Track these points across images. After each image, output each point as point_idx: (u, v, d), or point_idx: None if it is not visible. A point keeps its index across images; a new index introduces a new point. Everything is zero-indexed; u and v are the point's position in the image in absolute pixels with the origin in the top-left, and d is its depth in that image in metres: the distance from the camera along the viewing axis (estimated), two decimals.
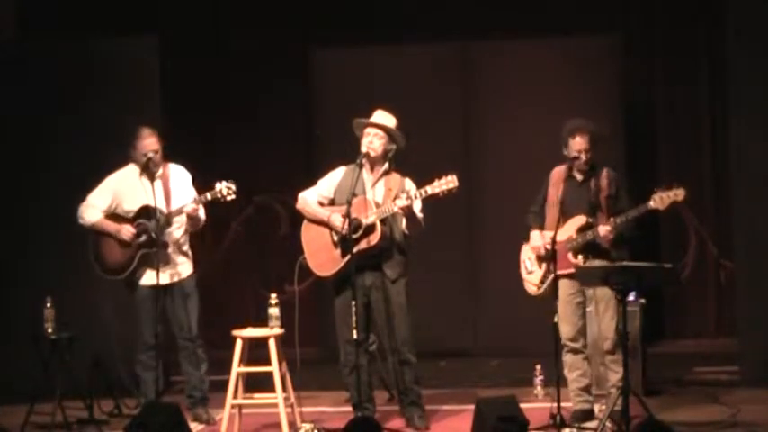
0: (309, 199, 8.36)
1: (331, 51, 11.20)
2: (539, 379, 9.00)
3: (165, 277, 8.40)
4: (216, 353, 9.08)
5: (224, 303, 11.01)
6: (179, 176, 8.66)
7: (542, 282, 8.13)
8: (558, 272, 7.84)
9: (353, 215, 7.96)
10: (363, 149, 8.15)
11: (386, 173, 8.24)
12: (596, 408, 8.09)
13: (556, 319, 7.95)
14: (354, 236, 7.99)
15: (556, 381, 7.73)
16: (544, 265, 8.12)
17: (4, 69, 9.92)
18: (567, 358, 8.06)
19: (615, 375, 7.93)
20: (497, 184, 10.94)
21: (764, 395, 8.73)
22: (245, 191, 8.92)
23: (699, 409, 8.43)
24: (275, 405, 8.08)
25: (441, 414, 8.58)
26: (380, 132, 8.19)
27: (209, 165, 9.33)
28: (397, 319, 8.16)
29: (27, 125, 9.89)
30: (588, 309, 8.12)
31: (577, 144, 7.97)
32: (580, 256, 7.95)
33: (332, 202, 8.32)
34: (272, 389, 8.10)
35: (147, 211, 8.48)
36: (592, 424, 7.89)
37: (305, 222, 8.35)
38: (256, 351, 8.24)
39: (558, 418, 7.72)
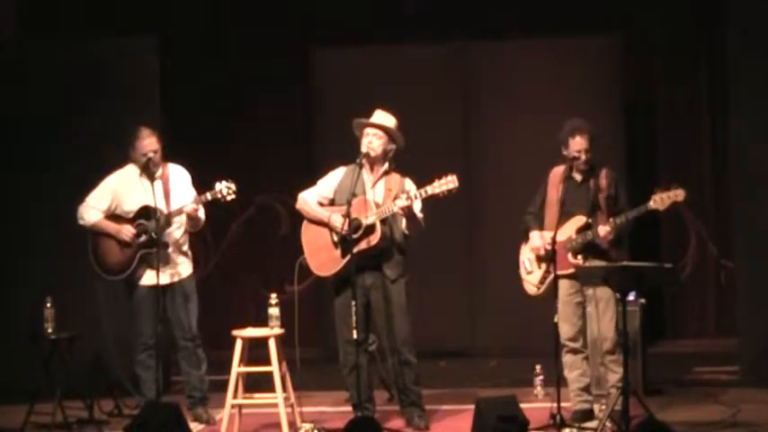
0: (309, 199, 8.36)
1: (331, 51, 11.21)
2: (539, 379, 9.00)
3: (164, 277, 8.39)
4: (216, 353, 9.09)
5: (224, 303, 11.01)
6: (179, 176, 8.66)
7: (542, 282, 8.13)
8: (558, 272, 7.85)
9: (353, 215, 7.96)
10: (363, 149, 8.16)
11: (386, 173, 8.24)
12: (596, 408, 8.08)
13: (556, 319, 7.95)
14: (354, 236, 7.99)
15: (556, 381, 7.73)
16: (543, 266, 8.12)
17: (4, 69, 9.92)
18: (567, 358, 8.06)
19: (615, 375, 7.93)
20: (497, 184, 10.94)
21: (764, 395, 8.73)
22: (246, 191, 8.91)
23: (699, 409, 8.43)
24: (275, 405, 8.08)
25: (441, 414, 8.58)
26: (380, 132, 8.19)
27: (210, 165, 9.31)
28: (397, 319, 8.16)
29: (27, 125, 9.88)
30: (588, 309, 8.12)
31: (577, 144, 7.97)
32: (579, 256, 7.95)
33: (332, 203, 8.32)
34: (272, 389, 8.10)
35: (146, 212, 8.48)
36: (592, 424, 7.89)
37: (305, 222, 8.35)
38: (256, 351, 8.24)
39: (558, 418, 7.72)
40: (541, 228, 8.12)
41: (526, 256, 8.23)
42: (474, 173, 10.83)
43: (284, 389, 8.12)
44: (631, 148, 10.93)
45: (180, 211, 8.46)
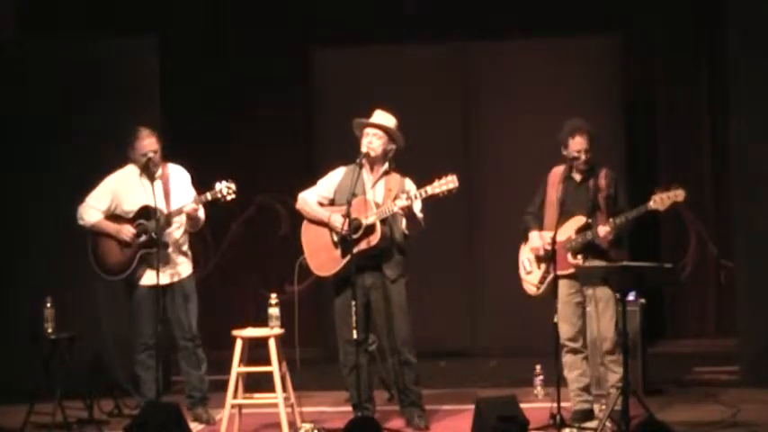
0: (309, 199, 8.36)
1: (331, 51, 11.21)
2: (539, 379, 9.00)
3: (164, 277, 8.39)
4: (216, 353, 9.09)
5: (224, 303, 11.01)
6: (178, 176, 8.66)
7: (541, 282, 8.13)
8: (558, 272, 7.84)
9: (353, 215, 7.96)
10: (363, 149, 8.16)
11: (386, 173, 8.24)
12: (596, 408, 8.08)
13: (556, 320, 7.95)
14: (354, 236, 7.99)
15: (556, 381, 7.73)
16: (543, 266, 8.12)
17: (4, 69, 9.92)
18: (567, 358, 8.06)
19: (615, 375, 7.93)
20: (497, 184, 10.94)
21: (764, 395, 8.73)
22: (246, 191, 8.91)
23: (699, 409, 8.43)
24: (275, 405, 8.08)
25: (441, 414, 8.58)
26: (380, 132, 8.19)
27: (210, 165, 9.31)
28: (397, 319, 8.16)
29: (27, 125, 9.88)
30: (588, 309, 8.11)
31: (577, 144, 7.97)
32: (579, 256, 7.95)
33: (332, 203, 8.32)
34: (272, 389, 8.10)
35: (146, 212, 8.48)
36: (592, 424, 7.89)
37: (305, 222, 8.35)
38: (256, 351, 8.24)
39: (558, 418, 7.72)
40: (541, 228, 8.12)
41: (526, 256, 8.23)
42: (474, 173, 10.83)
43: (284, 389, 8.12)
44: (631, 148, 10.94)
45: (180, 211, 8.46)
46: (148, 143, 8.52)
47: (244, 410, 8.30)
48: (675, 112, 11.20)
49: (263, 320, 8.21)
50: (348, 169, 8.26)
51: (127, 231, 8.50)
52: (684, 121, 11.17)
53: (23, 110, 9.88)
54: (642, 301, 8.96)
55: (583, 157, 7.98)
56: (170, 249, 8.55)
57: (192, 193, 8.55)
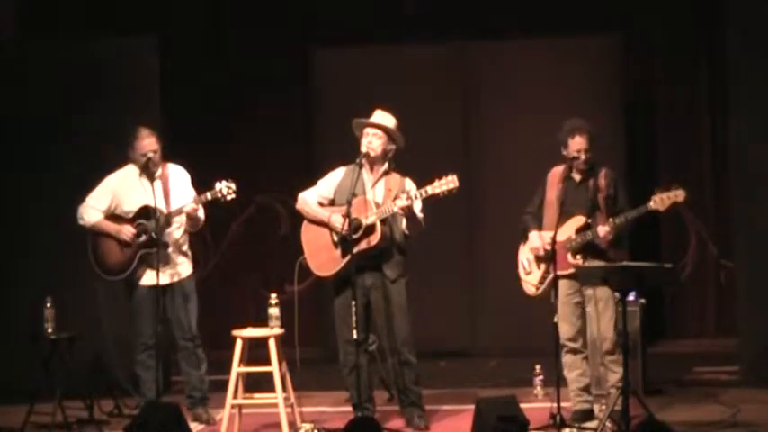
0: (309, 199, 8.36)
1: (331, 51, 11.21)
2: (539, 379, 9.00)
3: (164, 277, 8.39)
4: (216, 353, 9.09)
5: (224, 303, 11.01)
6: (178, 176, 8.66)
7: (541, 282, 8.13)
8: (558, 272, 7.84)
9: (353, 215, 7.96)
10: (363, 149, 8.16)
11: (386, 173, 8.24)
12: (596, 408, 8.08)
13: (556, 319, 7.95)
14: (354, 236, 7.99)
15: (556, 381, 7.73)
16: (543, 266, 8.12)
17: (4, 69, 9.92)
18: (567, 358, 8.06)
19: (614, 375, 7.93)
20: (497, 184, 10.94)
21: (764, 395, 8.73)
22: (246, 191, 8.91)
23: (699, 409, 8.43)
24: (275, 405, 8.08)
25: (441, 414, 8.58)
26: (380, 132, 8.19)
27: (210, 165, 9.31)
28: (397, 319, 8.16)
29: (27, 125, 9.88)
30: (587, 309, 8.11)
31: (577, 144, 7.97)
32: (579, 256, 7.95)
33: (332, 203, 8.31)
34: (272, 389, 8.10)
35: (146, 212, 8.47)
36: (592, 424, 7.89)
37: (305, 223, 8.35)
38: (256, 351, 8.24)
39: (558, 418, 7.72)
40: (540, 228, 8.12)
41: (525, 256, 8.23)
42: (474, 173, 10.83)
43: (284, 389, 8.11)
44: (631, 148, 10.94)
45: (180, 211, 8.46)
46: (148, 143, 8.52)
47: (244, 410, 8.30)
48: (675, 112, 11.20)
49: (263, 320, 8.21)
50: (348, 169, 8.26)
51: (127, 231, 8.50)
52: (684, 121, 11.18)
53: (23, 110, 9.88)
54: (642, 301, 8.96)
55: (582, 156, 7.98)
56: (170, 249, 8.54)
57: (192, 193, 8.55)
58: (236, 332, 8.19)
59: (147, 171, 8.50)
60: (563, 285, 7.98)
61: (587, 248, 7.96)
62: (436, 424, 8.33)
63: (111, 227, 8.56)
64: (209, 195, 8.35)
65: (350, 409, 8.25)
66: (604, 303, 7.99)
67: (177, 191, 8.57)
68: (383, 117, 8.24)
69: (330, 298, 8.34)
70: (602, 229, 7.88)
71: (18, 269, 9.78)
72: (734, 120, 9.50)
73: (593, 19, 10.94)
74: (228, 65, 11.31)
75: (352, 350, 8.09)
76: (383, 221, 8.05)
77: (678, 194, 7.77)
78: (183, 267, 8.66)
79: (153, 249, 8.39)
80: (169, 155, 8.71)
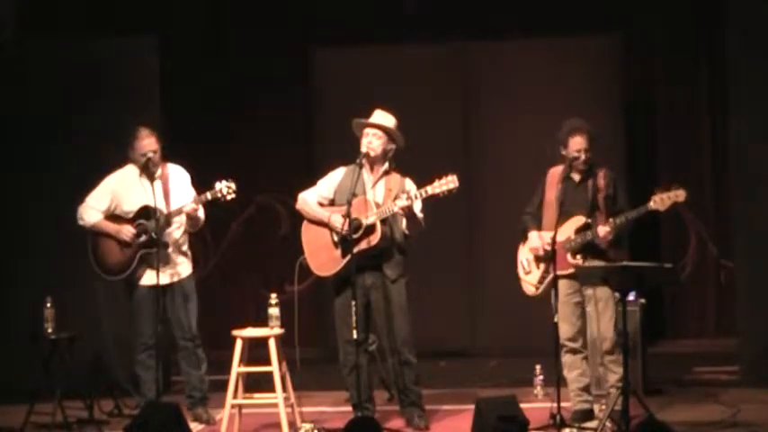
0: (309, 199, 8.36)
1: (331, 51, 11.21)
2: (539, 379, 9.00)
3: (164, 277, 8.39)
4: (216, 353, 9.09)
5: (224, 303, 11.01)
6: (178, 176, 8.66)
7: (540, 282, 8.13)
8: (557, 272, 7.84)
9: (353, 215, 7.96)
10: (363, 149, 8.16)
11: (386, 173, 8.25)
12: (596, 408, 8.08)
13: (556, 319, 7.95)
14: (354, 236, 7.99)
15: (556, 381, 7.73)
16: (542, 266, 8.12)
17: (4, 69, 9.92)
18: (566, 358, 8.06)
19: (614, 375, 7.93)
20: (497, 184, 10.94)
21: (764, 395, 8.73)
22: (246, 191, 8.91)
23: (699, 409, 8.43)
24: (275, 405, 8.08)
25: (441, 414, 8.58)
26: (380, 132, 8.19)
27: (210, 165, 9.31)
28: (397, 319, 8.15)
29: (27, 125, 9.88)
30: (587, 309, 8.11)
31: (577, 143, 7.97)
32: (578, 256, 7.95)
33: (332, 203, 8.31)
34: (272, 389, 8.10)
35: (146, 212, 8.48)
36: (592, 424, 7.89)
37: (305, 222, 8.35)
38: (256, 351, 8.24)
39: (558, 418, 7.72)
40: (539, 228, 8.12)
41: (524, 256, 8.23)
42: (474, 173, 10.83)
43: (284, 389, 8.11)
44: (631, 148, 10.94)
45: (179, 211, 8.46)
46: (148, 143, 8.52)
47: (244, 410, 8.30)
48: (675, 112, 11.20)
49: (263, 320, 8.21)
50: (348, 169, 8.26)
51: (127, 231, 8.50)
52: (684, 121, 11.18)
53: (23, 110, 9.88)
54: (642, 301, 8.97)
55: (582, 156, 7.97)
56: (170, 249, 8.54)
57: (192, 192, 8.55)
58: (236, 332, 8.19)
59: (147, 171, 8.50)
60: (563, 285, 7.98)
61: (587, 248, 7.96)
62: (436, 424, 8.33)
63: (111, 227, 8.56)
64: (209, 195, 8.35)
65: (350, 409, 8.25)
66: (604, 303, 7.99)
67: (177, 191, 8.57)
68: (383, 117, 8.24)
69: (330, 298, 8.34)
70: (603, 230, 7.88)
71: (18, 269, 9.79)
72: (734, 120, 9.51)
73: (593, 19, 10.94)
74: (228, 65, 11.31)
75: (352, 350, 8.09)
76: (383, 221, 8.05)
77: (678, 194, 7.77)
78: (183, 267, 8.66)
79: (153, 249, 8.39)
80: (169, 155, 8.71)
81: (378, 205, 8.09)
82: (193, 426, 8.27)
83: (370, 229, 8.05)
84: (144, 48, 9.98)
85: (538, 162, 8.30)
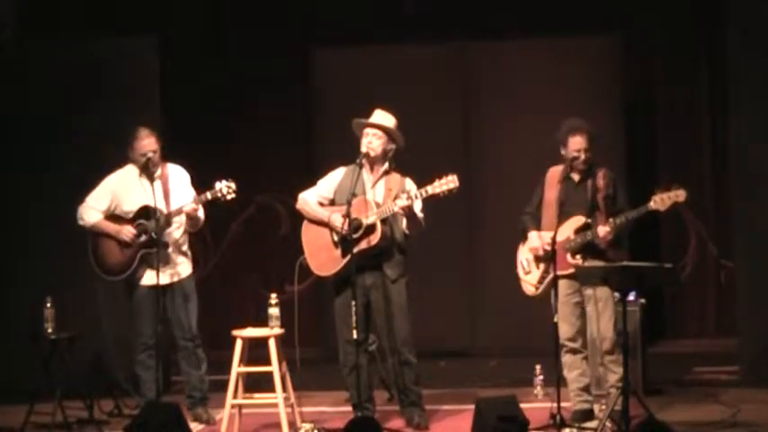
0: (309, 199, 8.36)
1: (331, 51, 11.21)
2: (539, 379, 9.00)
3: (164, 277, 8.39)
4: (216, 353, 9.09)
5: (224, 303, 11.01)
6: (178, 176, 8.66)
7: (540, 282, 8.13)
8: (557, 272, 7.84)
9: (354, 215, 7.96)
10: (363, 149, 8.16)
11: (386, 173, 8.25)
12: (596, 408, 8.08)
13: (556, 319, 7.95)
14: (355, 236, 7.99)
15: (556, 381, 7.73)
16: (542, 266, 8.11)
17: (4, 69, 9.92)
18: (566, 358, 8.06)
19: (614, 375, 7.92)
20: (497, 184, 10.94)
21: (764, 395, 8.73)
22: (246, 191, 8.91)
23: (699, 409, 8.43)
24: (275, 405, 8.08)
25: (441, 414, 8.58)
26: (379, 132, 8.19)
27: (210, 165, 9.31)
28: (397, 319, 8.15)
29: (27, 125, 9.89)
30: (587, 309, 8.11)
31: (576, 143, 7.97)
32: (578, 256, 7.95)
33: (332, 203, 8.31)
34: (272, 389, 8.10)
35: (146, 212, 8.47)
36: (592, 424, 7.89)
37: (305, 222, 8.35)
38: (256, 351, 8.24)
39: (558, 418, 7.72)
40: (538, 228, 8.12)
41: (524, 256, 8.23)
42: (474, 173, 10.83)
43: (284, 389, 8.11)
44: (631, 148, 10.94)
45: (179, 211, 8.45)
46: (147, 143, 8.52)
47: (244, 410, 8.30)
48: (675, 112, 11.20)
49: (263, 320, 8.21)
50: (348, 169, 8.26)
51: (127, 232, 8.50)
52: (684, 121, 11.18)
53: (23, 110, 9.89)
54: (642, 301, 8.97)
55: (582, 156, 7.97)
56: (170, 249, 8.54)
57: (192, 192, 8.55)
58: (236, 332, 8.19)
59: (147, 171, 8.50)
60: (562, 285, 7.98)
61: (586, 248, 7.95)
62: (436, 424, 8.33)
63: (111, 227, 8.55)
64: (209, 195, 8.35)
65: (350, 409, 8.25)
66: (604, 303, 7.99)
67: (177, 191, 8.57)
68: (383, 117, 8.24)
69: (330, 298, 8.34)
70: (603, 230, 7.88)
71: (18, 269, 9.79)
72: (734, 120, 9.51)
73: (593, 19, 10.94)
74: (228, 65, 11.31)
75: (352, 350, 8.09)
76: (383, 221, 8.05)
77: (679, 194, 7.77)
78: (183, 267, 8.66)
79: (153, 249, 8.38)
80: (169, 155, 8.71)
81: (378, 205, 8.09)
82: (193, 426, 8.27)
83: (371, 229, 8.05)
84: (144, 48, 9.98)
85: (538, 162, 8.30)
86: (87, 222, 8.59)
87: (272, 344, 8.09)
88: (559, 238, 7.87)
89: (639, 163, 10.90)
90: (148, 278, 8.48)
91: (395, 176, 8.23)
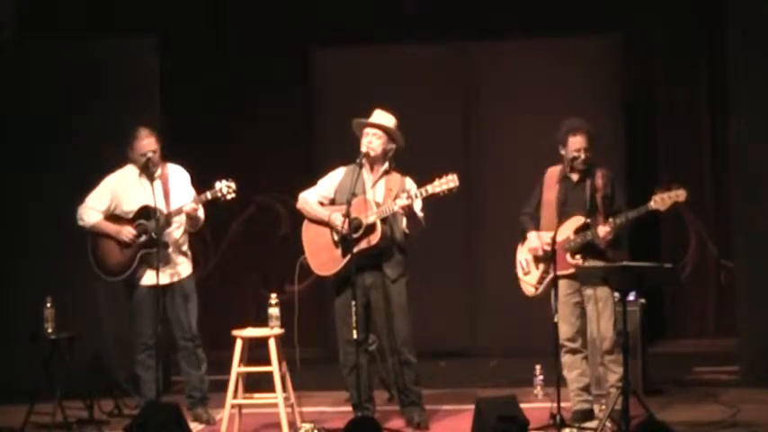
0: (310, 199, 8.36)
1: (331, 51, 11.21)
2: (539, 379, 9.00)
3: (164, 277, 8.39)
4: (216, 353, 9.09)
5: (224, 303, 11.01)
6: (178, 176, 8.66)
7: (539, 282, 8.13)
8: (557, 272, 7.84)
9: (354, 215, 7.96)
10: (363, 149, 8.16)
11: (386, 172, 8.25)
12: (596, 408, 8.08)
13: (556, 319, 7.95)
14: (355, 235, 7.99)
15: (556, 381, 7.73)
16: (541, 266, 8.11)
17: (4, 69, 9.92)
18: (566, 358, 8.06)
19: (614, 375, 7.92)
20: (497, 184, 10.94)
21: (764, 395, 8.73)
22: (246, 191, 8.91)
23: (699, 409, 8.43)
24: (275, 405, 8.08)
25: (441, 414, 8.58)
26: (379, 132, 8.19)
27: (210, 165, 9.31)
28: (397, 319, 8.15)
29: (27, 125, 9.89)
30: (587, 309, 8.11)
31: (576, 143, 7.97)
32: (578, 256, 7.95)
33: (332, 203, 8.31)
34: (272, 389, 8.10)
35: (146, 212, 8.47)
36: (592, 424, 7.89)
37: (305, 222, 8.35)
38: (256, 351, 8.24)
39: (558, 418, 7.72)
40: (537, 228, 8.12)
41: (523, 256, 8.23)
42: (474, 173, 10.83)
43: (284, 389, 8.11)
44: (631, 148, 10.94)
45: (179, 211, 8.45)
46: (147, 143, 8.52)
47: (244, 410, 8.30)
48: (675, 112, 11.20)
49: (263, 320, 8.21)
50: (348, 169, 8.26)
51: (127, 232, 8.50)
52: (684, 121, 11.18)
53: (23, 110, 9.89)
54: (642, 301, 8.97)
55: (582, 156, 7.97)
56: (170, 249, 8.54)
57: (192, 192, 8.55)
58: (236, 332, 8.19)
59: (147, 171, 8.50)
60: (562, 285, 7.98)
61: (586, 248, 7.95)
62: (436, 424, 8.33)
63: (111, 227, 8.55)
64: (209, 195, 8.35)
65: (350, 409, 8.25)
66: (604, 303, 7.99)
67: (177, 191, 8.57)
68: (383, 117, 8.24)
69: (330, 298, 8.34)
70: (603, 230, 7.88)
71: (18, 269, 9.79)
72: (734, 120, 9.51)
73: (593, 19, 10.94)
74: (228, 65, 11.31)
75: (352, 350, 8.09)
76: (383, 221, 8.05)
77: (679, 194, 7.77)
78: (183, 267, 8.66)
79: (153, 249, 8.38)
80: (169, 155, 8.71)
81: (378, 205, 8.09)
82: (193, 426, 8.27)
83: (371, 229, 8.05)
84: (144, 48, 9.99)
85: (537, 162, 8.30)
86: (87, 223, 8.59)
87: (272, 344, 8.09)
88: (559, 239, 7.87)
89: (639, 163, 10.90)
90: (148, 278, 8.48)
91: (395, 176, 8.23)
